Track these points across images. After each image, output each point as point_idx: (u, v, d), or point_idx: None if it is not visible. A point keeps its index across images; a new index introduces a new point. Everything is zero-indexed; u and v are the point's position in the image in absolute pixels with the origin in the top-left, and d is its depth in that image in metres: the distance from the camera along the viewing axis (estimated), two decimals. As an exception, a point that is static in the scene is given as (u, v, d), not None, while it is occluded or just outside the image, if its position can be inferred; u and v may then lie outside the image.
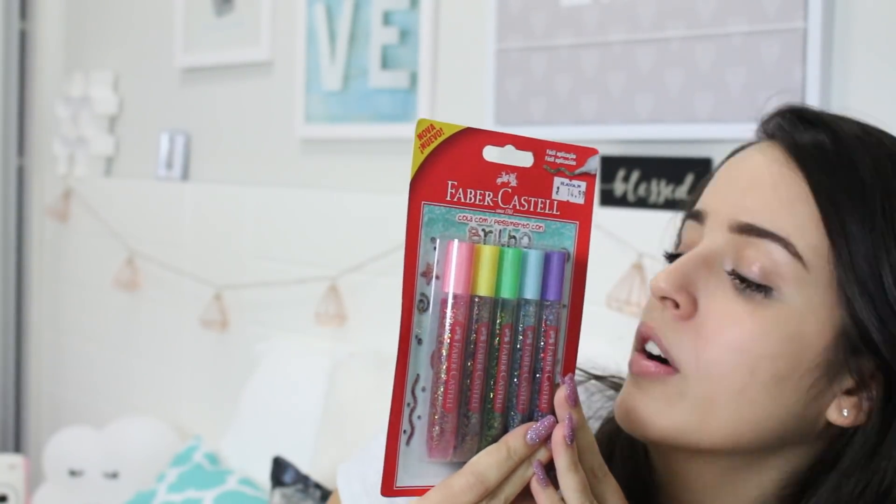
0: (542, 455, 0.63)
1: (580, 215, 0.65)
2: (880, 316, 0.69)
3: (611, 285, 1.52)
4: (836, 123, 0.74)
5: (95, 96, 2.79)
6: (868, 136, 0.74)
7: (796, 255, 0.69)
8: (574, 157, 0.65)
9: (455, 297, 0.61)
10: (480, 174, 0.63)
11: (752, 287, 0.70)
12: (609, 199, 1.59)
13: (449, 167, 0.62)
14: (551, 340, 0.63)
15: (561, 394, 0.63)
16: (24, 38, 3.10)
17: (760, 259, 0.70)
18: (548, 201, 0.64)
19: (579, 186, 0.65)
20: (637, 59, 1.52)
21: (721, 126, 1.43)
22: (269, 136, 2.30)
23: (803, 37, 1.33)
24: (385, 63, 1.99)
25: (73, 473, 2.44)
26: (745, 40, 1.39)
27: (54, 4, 3.03)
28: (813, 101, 1.32)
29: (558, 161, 0.65)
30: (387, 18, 1.98)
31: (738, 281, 0.70)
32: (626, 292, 1.51)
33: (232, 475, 2.05)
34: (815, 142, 0.72)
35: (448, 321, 0.61)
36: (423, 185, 0.61)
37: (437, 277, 0.61)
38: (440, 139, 0.62)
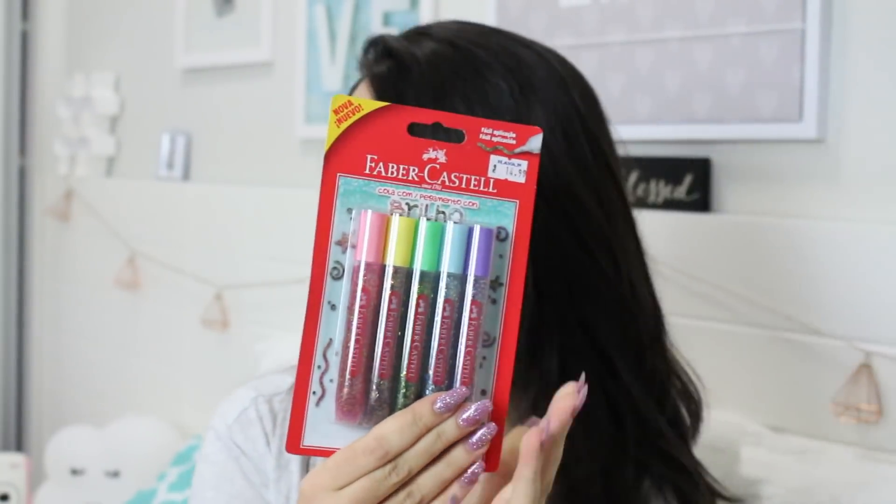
0: (450, 432, 0.61)
1: (521, 194, 0.65)
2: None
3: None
4: (404, 50, 0.85)
5: (96, 97, 2.80)
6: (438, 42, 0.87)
7: None
8: (514, 135, 0.64)
9: (366, 265, 0.62)
10: (404, 149, 0.63)
11: None
12: (608, 199, 1.59)
13: (368, 141, 0.63)
14: (474, 315, 0.63)
15: (563, 403, 0.63)
16: (25, 39, 3.10)
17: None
18: (483, 179, 0.64)
19: (520, 165, 0.65)
20: (636, 59, 1.52)
21: (720, 126, 1.44)
22: (269, 137, 2.31)
23: (801, 37, 1.34)
24: (385, 63, 1.99)
25: (74, 472, 2.45)
26: (744, 41, 1.40)
27: (55, 6, 3.04)
28: (811, 101, 1.32)
29: (495, 139, 0.64)
30: (387, 19, 1.99)
31: None
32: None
33: (232, 474, 2.05)
34: (384, 73, 0.84)
35: (358, 288, 0.62)
36: (339, 158, 0.62)
37: (353, 246, 0.63)
38: (358, 115, 0.63)
